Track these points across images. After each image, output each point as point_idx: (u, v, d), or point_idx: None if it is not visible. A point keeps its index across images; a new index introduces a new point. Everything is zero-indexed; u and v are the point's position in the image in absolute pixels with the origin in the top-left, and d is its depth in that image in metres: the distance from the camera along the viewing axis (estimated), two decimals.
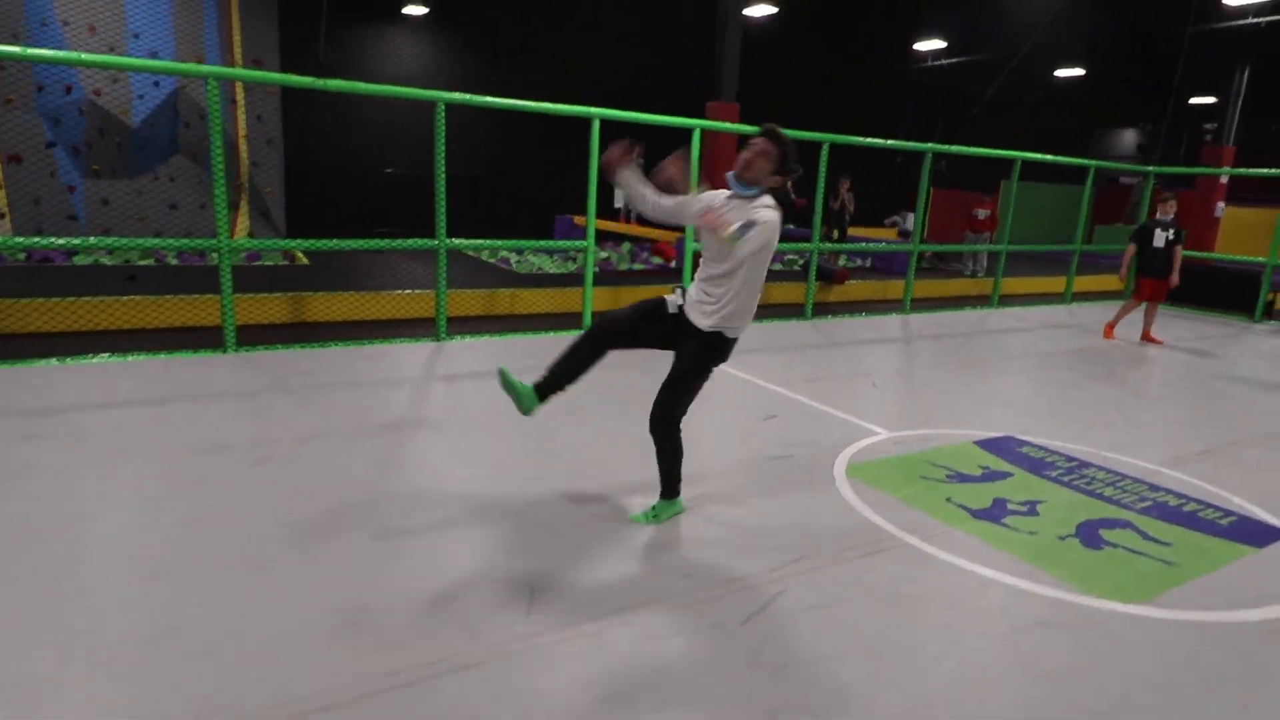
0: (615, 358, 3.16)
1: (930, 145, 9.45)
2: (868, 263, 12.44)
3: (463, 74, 13.34)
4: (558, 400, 3.23)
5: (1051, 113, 21.80)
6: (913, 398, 5.69)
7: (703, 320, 3.05)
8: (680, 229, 7.96)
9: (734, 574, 2.89)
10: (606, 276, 9.83)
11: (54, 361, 5.09)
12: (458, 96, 6.09)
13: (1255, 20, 15.28)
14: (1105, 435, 4.85)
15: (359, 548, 2.94)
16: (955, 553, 3.16)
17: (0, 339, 5.64)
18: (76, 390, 4.58)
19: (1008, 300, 10.94)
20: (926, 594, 2.84)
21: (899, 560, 3.08)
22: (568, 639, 2.43)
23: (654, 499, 3.33)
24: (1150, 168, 12.22)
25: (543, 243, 7.12)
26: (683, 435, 3.22)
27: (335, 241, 5.98)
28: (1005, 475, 4.07)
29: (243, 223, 10.31)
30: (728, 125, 9.24)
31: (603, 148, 6.91)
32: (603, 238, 12.94)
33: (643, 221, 13.25)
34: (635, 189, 3.12)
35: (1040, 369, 6.77)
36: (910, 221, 15.25)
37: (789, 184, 14.81)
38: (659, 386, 3.14)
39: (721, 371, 5.80)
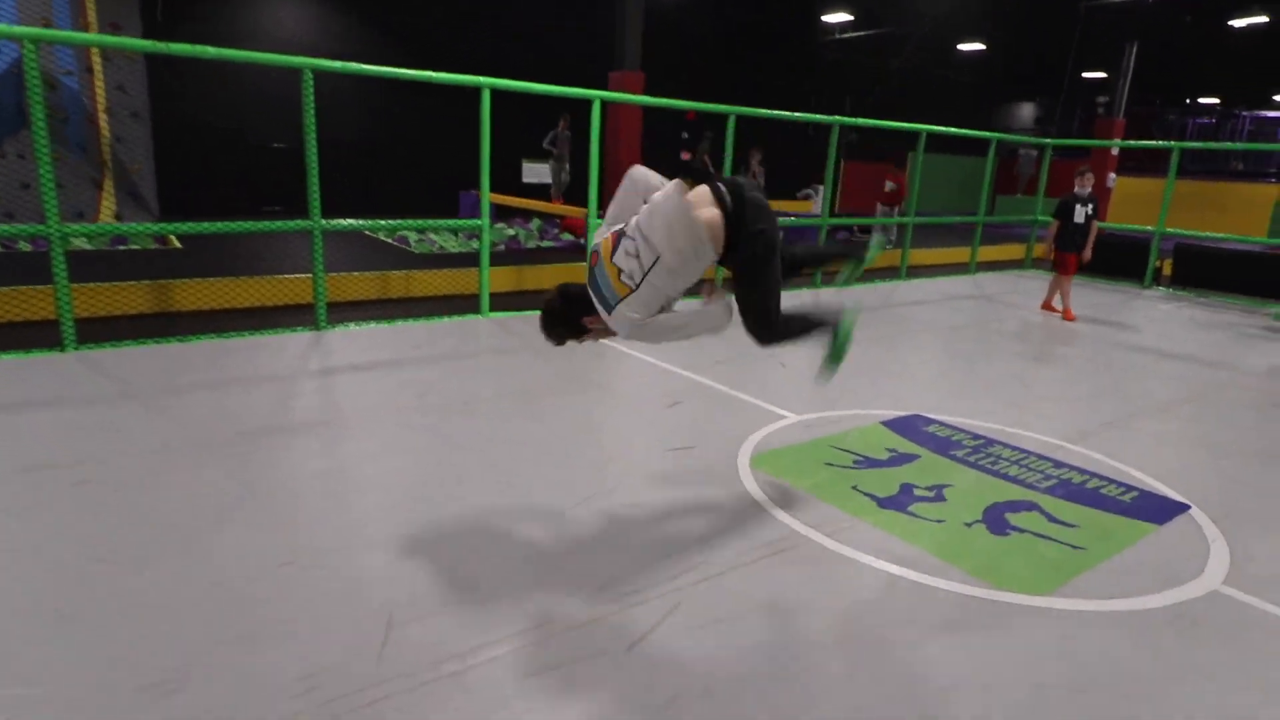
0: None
1: (837, 118, 9.35)
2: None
3: (357, 41, 12.54)
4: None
5: (955, 87, 22.26)
6: None
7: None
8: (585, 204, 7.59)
9: (623, 589, 2.61)
10: (515, 255, 9.40)
11: None
12: (325, 63, 5.51)
13: None
14: (1010, 411, 4.79)
15: (190, 592, 2.53)
16: (861, 548, 2.97)
17: None
18: None
19: (915, 271, 11.01)
20: (830, 601, 2.64)
21: (802, 561, 2.87)
22: (423, 685, 2.11)
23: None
24: (1048, 140, 12.50)
25: (432, 222, 6.57)
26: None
27: (190, 225, 5.36)
28: (912, 458, 3.94)
29: (108, 204, 9.41)
30: (630, 96, 8.89)
31: (494, 118, 6.44)
32: (511, 214, 12.45)
33: (565, 200, 12.80)
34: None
35: (948, 343, 6.74)
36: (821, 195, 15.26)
37: (704, 156, 14.53)
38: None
39: (624, 355, 5.53)
